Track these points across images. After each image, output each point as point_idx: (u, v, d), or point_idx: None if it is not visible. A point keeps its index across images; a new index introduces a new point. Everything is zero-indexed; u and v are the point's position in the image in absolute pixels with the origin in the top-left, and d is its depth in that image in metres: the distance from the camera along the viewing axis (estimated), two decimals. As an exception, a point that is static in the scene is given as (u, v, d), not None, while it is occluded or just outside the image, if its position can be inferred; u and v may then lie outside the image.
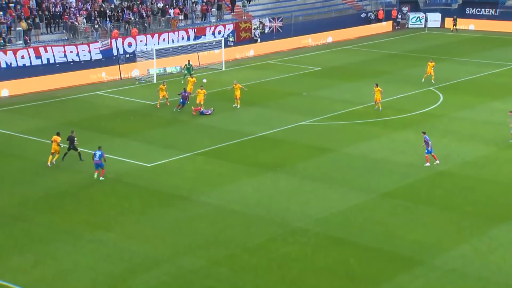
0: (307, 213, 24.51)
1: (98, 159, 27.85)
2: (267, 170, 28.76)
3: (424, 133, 28.99)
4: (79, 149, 29.85)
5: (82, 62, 46.62)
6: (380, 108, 36.50)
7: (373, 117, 35.37)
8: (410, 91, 41.31)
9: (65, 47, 46.21)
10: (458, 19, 61.80)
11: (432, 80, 42.08)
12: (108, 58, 47.65)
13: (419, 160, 29.52)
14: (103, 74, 46.24)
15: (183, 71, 45.05)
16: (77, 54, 46.54)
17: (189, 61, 45.41)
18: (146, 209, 25.17)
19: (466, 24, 64.15)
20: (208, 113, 36.40)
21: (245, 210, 24.91)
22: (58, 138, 29.49)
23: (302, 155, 30.67)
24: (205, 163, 30.00)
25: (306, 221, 23.84)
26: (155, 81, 45.72)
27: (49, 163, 29.37)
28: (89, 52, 47.16)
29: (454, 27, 61.24)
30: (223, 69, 49.18)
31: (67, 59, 46.01)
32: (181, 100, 37.42)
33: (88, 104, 40.54)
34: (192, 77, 40.57)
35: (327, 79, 45.44)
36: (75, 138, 29.85)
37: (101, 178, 27.94)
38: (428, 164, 28.57)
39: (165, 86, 38.52)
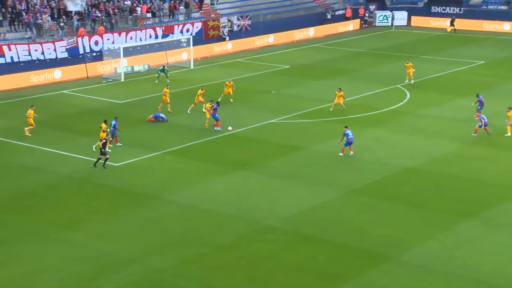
0: (277, 211, 24.61)
1: (112, 128, 30.01)
2: (236, 169, 28.79)
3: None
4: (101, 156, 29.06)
5: (48, 60, 45.99)
6: (344, 107, 36.70)
7: (342, 115, 35.68)
8: (378, 89, 41.75)
9: (30, 45, 45.53)
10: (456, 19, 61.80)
11: (411, 81, 42.43)
12: (74, 57, 47.10)
13: (387, 158, 29.89)
14: (69, 72, 45.70)
15: (158, 72, 44.82)
16: (42, 53, 45.90)
17: (164, 66, 45.22)
18: (115, 209, 24.97)
19: (428, 22, 65.13)
20: (163, 118, 35.25)
21: (215, 208, 24.90)
22: (105, 126, 30.52)
23: (272, 153, 30.78)
24: (174, 162, 29.89)
25: (276, 219, 23.94)
26: (122, 80, 45.37)
27: (94, 147, 30.43)
28: (55, 50, 46.55)
29: (453, 27, 61.51)
30: (192, 67, 49.03)
31: (31, 57, 45.33)
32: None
33: (54, 103, 40.02)
34: (229, 81, 39.13)
35: (296, 77, 45.65)
36: (106, 142, 29.22)
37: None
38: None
39: (203, 90, 36.97)
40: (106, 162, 28.86)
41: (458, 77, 45.36)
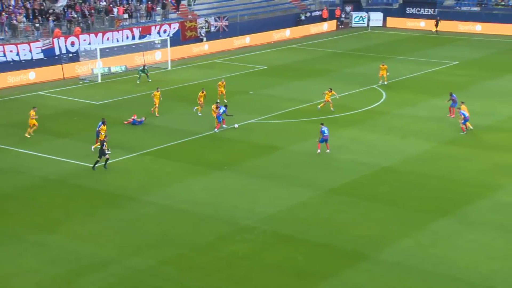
0: (255, 211, 24.63)
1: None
2: (214, 169, 28.75)
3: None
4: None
5: (23, 61, 45.45)
6: (332, 108, 36.93)
7: (319, 115, 35.82)
8: (354, 89, 42.01)
9: (5, 46, 44.96)
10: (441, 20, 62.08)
11: (385, 82, 42.72)
12: (50, 58, 46.63)
13: (364, 157, 30.09)
14: (45, 73, 45.23)
15: (139, 72, 44.61)
16: (18, 54, 45.36)
17: (144, 66, 45.00)
18: (92, 210, 24.78)
19: (403, 23, 65.77)
20: (140, 122, 34.92)
21: (193, 209, 24.84)
22: (103, 126, 30.43)
23: (250, 153, 30.80)
24: (152, 162, 29.74)
25: (254, 219, 23.96)
26: (99, 81, 45.03)
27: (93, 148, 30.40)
28: (30, 51, 46.05)
29: (436, 27, 61.93)
30: (169, 68, 48.85)
31: (6, 58, 44.77)
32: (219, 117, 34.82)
33: (30, 104, 39.42)
34: (222, 82, 38.86)
35: (273, 77, 45.73)
36: (105, 144, 28.81)
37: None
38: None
39: (204, 93, 36.43)
40: (107, 162, 28.57)
41: (433, 77, 45.84)
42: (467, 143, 31.93)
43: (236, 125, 34.14)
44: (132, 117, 35.01)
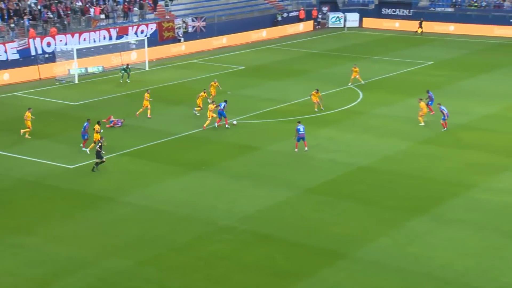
0: (234, 211, 24.65)
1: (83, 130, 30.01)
2: (193, 169, 28.70)
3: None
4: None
5: (-2, 62, 44.97)
6: (322, 107, 37.07)
7: (297, 115, 35.95)
8: (331, 89, 42.22)
9: (-20, 46, 44.43)
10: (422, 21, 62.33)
11: (362, 82, 42.88)
12: (26, 58, 46.11)
13: (341, 157, 30.28)
14: (21, 74, 44.73)
15: (121, 72, 44.36)
16: (-7, 54, 44.84)
17: (127, 65, 44.78)
18: (70, 211, 24.58)
19: (379, 23, 66.32)
20: (119, 124, 34.61)
21: (172, 209, 24.77)
22: (98, 127, 30.14)
23: (228, 153, 30.80)
24: (130, 163, 29.59)
25: (233, 218, 23.98)
26: (76, 81, 44.65)
27: (88, 150, 30.37)
28: (6, 52, 45.51)
29: (421, 29, 62.30)
30: (147, 68, 48.63)
31: (-19, 59, 44.26)
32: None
33: (5, 105, 39.13)
34: (215, 82, 38.76)
35: (251, 78, 45.78)
36: (99, 144, 28.54)
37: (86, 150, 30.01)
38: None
39: (205, 93, 36.36)
40: (99, 165, 28.29)
41: (408, 77, 46.27)
42: (442, 142, 32.31)
43: (234, 122, 34.48)
44: (108, 118, 34.63)
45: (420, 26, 62.26)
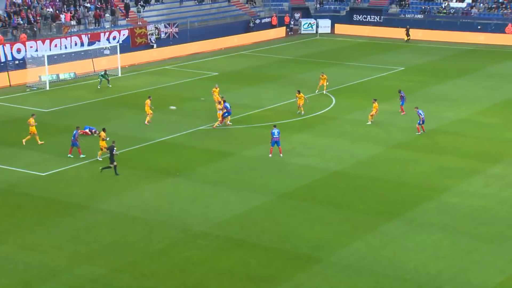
0: (208, 216, 24.53)
1: (73, 138, 29.76)
2: (167, 175, 28.51)
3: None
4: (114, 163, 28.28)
5: (-33, 68, 44.19)
6: (302, 112, 37.17)
7: (271, 121, 35.99)
8: (305, 95, 42.27)
9: None
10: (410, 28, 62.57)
11: (324, 91, 42.99)
12: (-5, 65, 45.45)
13: (315, 161, 30.38)
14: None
15: (100, 77, 43.98)
16: (-39, 61, 44.04)
17: (105, 70, 44.52)
18: (41, 219, 24.19)
19: (351, 30, 66.89)
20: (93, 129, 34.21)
21: (146, 216, 24.55)
22: (104, 134, 29.71)
23: (202, 159, 30.67)
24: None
25: (207, 224, 23.85)
26: (47, 88, 44.09)
27: (99, 157, 30.08)
28: (-25, 58, 44.76)
29: (408, 37, 62.62)
30: (119, 75, 48.25)
31: (-50, 65, 43.43)
32: (226, 113, 35.03)
33: (-24, 112, 38.43)
34: (216, 88, 38.46)
35: (225, 84, 45.66)
36: (115, 148, 28.27)
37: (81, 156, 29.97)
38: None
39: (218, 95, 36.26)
40: (105, 169, 28.16)
41: (380, 82, 46.70)
42: (414, 147, 32.63)
43: (173, 107, 35.93)
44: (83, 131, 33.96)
45: (407, 34, 62.63)
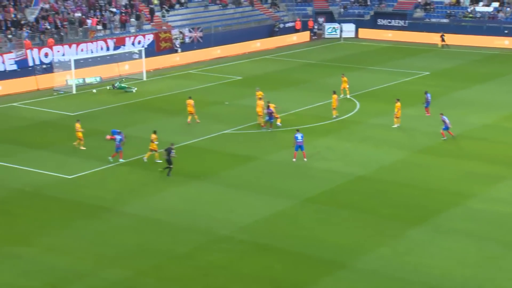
0: (232, 220, 24.54)
1: (118, 142, 29.93)
2: (191, 179, 28.61)
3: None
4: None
5: (-4, 73, 44.89)
6: (336, 115, 37.37)
7: (294, 125, 35.91)
8: (329, 99, 42.13)
9: (-23, 57, 44.35)
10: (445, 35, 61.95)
11: (347, 95, 42.76)
12: (24, 69, 46.05)
13: (339, 166, 30.24)
14: (18, 85, 44.65)
15: (116, 86, 44.53)
16: (-9, 65, 44.76)
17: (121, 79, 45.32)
18: (68, 222, 24.44)
19: (375, 34, 66.51)
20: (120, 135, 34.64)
21: (170, 219, 24.66)
22: (154, 136, 30.15)
23: (226, 163, 30.73)
24: (129, 173, 29.48)
25: (231, 228, 23.87)
26: (74, 92, 44.59)
27: (145, 158, 30.35)
28: (3, 63, 45.44)
29: (443, 42, 62.05)
30: (144, 79, 48.61)
31: (-21, 70, 44.18)
32: (268, 117, 35.33)
33: (3, 116, 39.03)
34: (258, 91, 38.31)
35: (248, 88, 45.73)
36: (173, 151, 28.68)
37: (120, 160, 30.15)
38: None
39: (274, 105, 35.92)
40: (166, 169, 28.76)
41: (405, 87, 46.35)
42: (439, 152, 32.31)
43: (94, 90, 37.14)
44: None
45: (443, 40, 61.92)
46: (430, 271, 20.90)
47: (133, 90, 44.40)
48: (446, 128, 33.62)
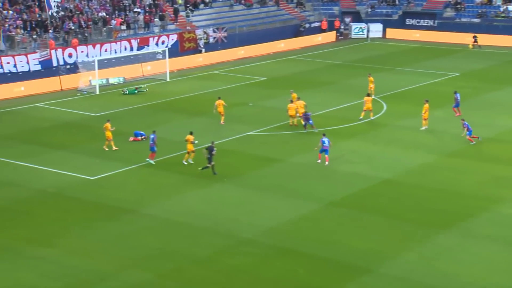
0: (255, 223, 24.54)
1: (152, 142, 30.18)
2: (214, 181, 28.68)
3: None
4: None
5: (20, 73, 45.48)
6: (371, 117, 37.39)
7: (319, 127, 35.82)
8: (355, 101, 41.98)
9: (2, 58, 44.99)
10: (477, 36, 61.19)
11: (372, 96, 42.48)
12: (48, 69, 46.67)
13: (364, 169, 30.05)
14: (42, 85, 45.26)
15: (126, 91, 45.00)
16: (15, 65, 45.40)
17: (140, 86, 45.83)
18: (90, 223, 24.68)
19: (403, 34, 65.95)
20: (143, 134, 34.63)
21: (192, 221, 24.75)
22: (191, 137, 30.27)
23: (250, 165, 30.75)
24: (150, 175, 29.68)
25: (254, 232, 23.87)
26: (97, 92, 45.07)
27: (184, 161, 30.47)
28: (28, 63, 46.09)
29: (475, 43, 61.28)
30: (168, 79, 48.92)
31: (3, 70, 44.80)
32: (305, 122, 35.47)
33: (27, 116, 39.59)
34: (292, 93, 38.28)
35: (273, 89, 45.77)
36: (215, 149, 29.16)
37: (151, 162, 30.21)
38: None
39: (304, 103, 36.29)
40: (205, 169, 29.13)
41: (433, 88, 45.89)
42: (468, 155, 31.92)
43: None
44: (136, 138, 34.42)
45: (475, 41, 61.18)
46: (458, 278, 20.65)
47: (145, 89, 44.65)
48: (470, 133, 33.09)
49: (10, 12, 49.26)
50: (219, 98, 37.17)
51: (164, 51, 50.38)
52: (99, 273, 20.98)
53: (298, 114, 36.10)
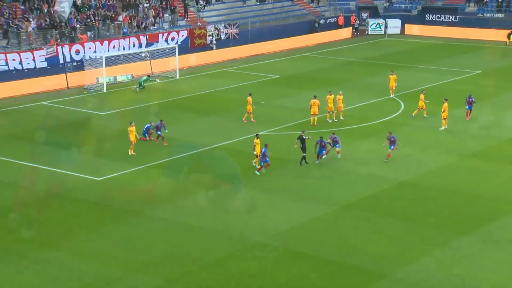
0: (267, 227, 24.58)
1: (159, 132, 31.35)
2: (224, 183, 28.73)
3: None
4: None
5: (26, 70, 45.85)
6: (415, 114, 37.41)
7: (334, 126, 35.80)
8: (371, 100, 41.94)
9: (7, 54, 45.36)
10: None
11: (392, 95, 42.40)
12: (54, 66, 46.99)
13: (381, 171, 29.99)
14: (48, 83, 45.59)
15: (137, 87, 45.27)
16: (20, 62, 45.76)
17: (149, 75, 46.11)
18: (97, 226, 24.83)
19: (423, 30, 65.66)
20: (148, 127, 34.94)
21: (202, 225, 24.83)
22: (257, 140, 30.02)
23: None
24: (159, 176, 29.81)
25: (266, 235, 23.90)
26: (105, 90, 45.31)
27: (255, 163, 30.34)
28: (33, 60, 46.44)
29: (509, 40, 60.85)
30: (177, 77, 49.07)
31: (8, 67, 45.16)
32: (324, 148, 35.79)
33: (33, 115, 39.88)
34: (330, 94, 37.91)
35: (285, 87, 45.79)
36: (305, 137, 30.20)
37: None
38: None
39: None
40: (303, 161, 30.27)
41: (454, 87, 45.69)
42: (490, 157, 31.75)
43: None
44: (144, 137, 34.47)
45: (509, 38, 60.82)
46: (479, 285, 20.57)
47: (156, 80, 44.93)
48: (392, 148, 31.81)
49: (21, 7, 49.60)
50: (250, 95, 37.06)
51: (170, 49, 50.29)
52: (106, 277, 21.10)
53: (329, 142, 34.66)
